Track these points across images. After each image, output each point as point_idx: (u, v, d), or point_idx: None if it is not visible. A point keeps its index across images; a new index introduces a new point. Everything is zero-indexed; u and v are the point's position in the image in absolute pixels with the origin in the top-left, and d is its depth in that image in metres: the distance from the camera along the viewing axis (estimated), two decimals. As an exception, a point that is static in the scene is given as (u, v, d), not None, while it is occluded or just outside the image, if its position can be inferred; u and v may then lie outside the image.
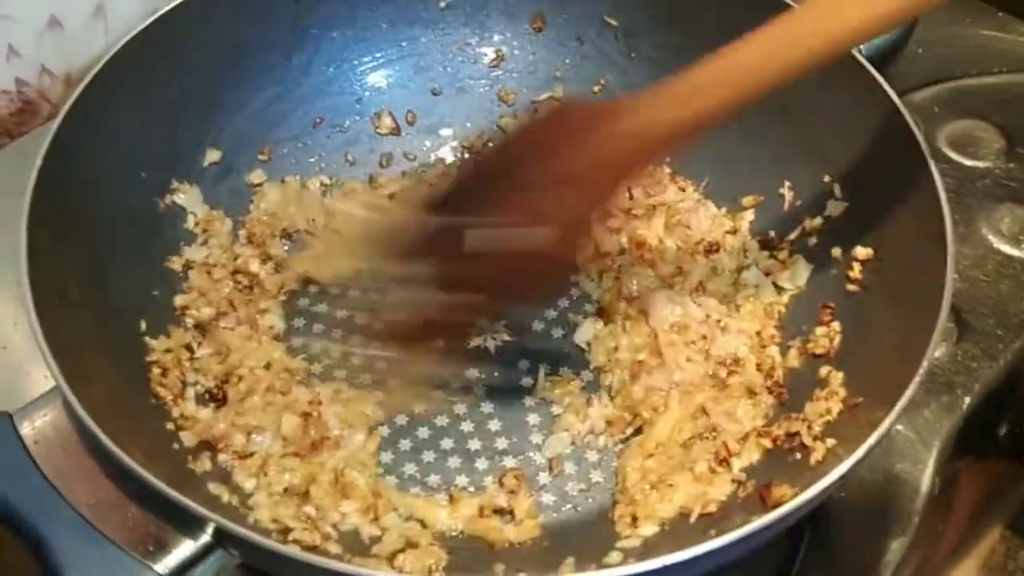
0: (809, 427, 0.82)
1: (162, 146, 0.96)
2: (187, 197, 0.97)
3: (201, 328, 0.93)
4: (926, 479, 0.89)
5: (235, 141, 1.01)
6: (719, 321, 0.94)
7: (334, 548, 0.79)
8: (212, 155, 1.00)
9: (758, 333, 0.93)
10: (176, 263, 0.96)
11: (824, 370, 0.87)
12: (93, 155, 0.89)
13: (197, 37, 0.97)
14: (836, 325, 0.89)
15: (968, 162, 1.11)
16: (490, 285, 0.79)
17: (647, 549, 0.80)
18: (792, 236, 0.97)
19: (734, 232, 1.01)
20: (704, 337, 0.93)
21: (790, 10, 0.73)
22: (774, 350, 0.91)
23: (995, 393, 0.95)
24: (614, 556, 0.79)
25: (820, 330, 0.90)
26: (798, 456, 0.81)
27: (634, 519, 0.83)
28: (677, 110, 0.75)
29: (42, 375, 0.88)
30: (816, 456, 0.79)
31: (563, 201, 0.76)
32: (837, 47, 0.73)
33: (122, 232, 0.91)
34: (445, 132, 1.10)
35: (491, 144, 0.89)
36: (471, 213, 0.77)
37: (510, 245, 0.76)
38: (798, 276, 0.95)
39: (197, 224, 0.98)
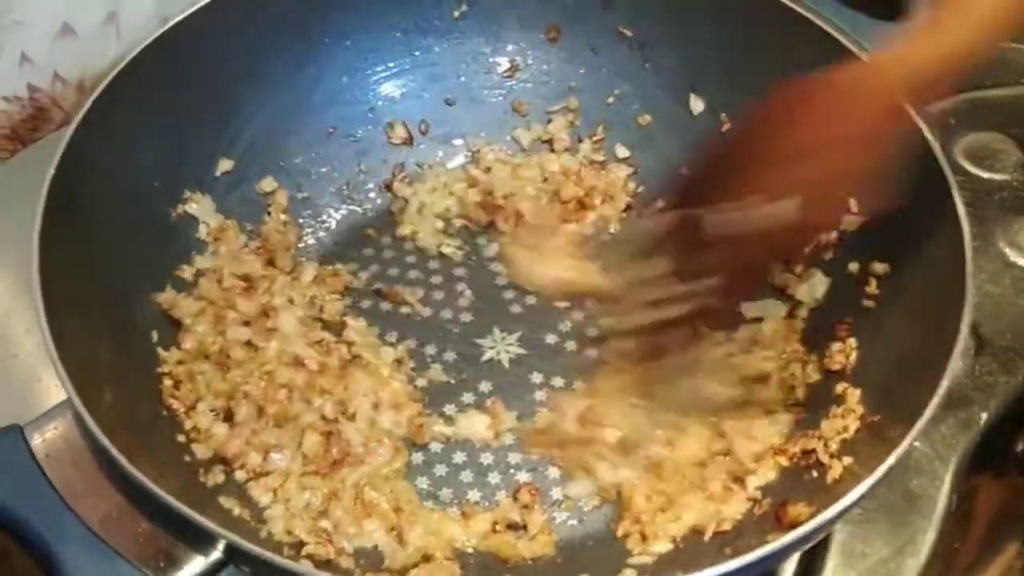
0: (825, 445, 0.82)
1: (175, 155, 0.96)
2: (199, 207, 0.97)
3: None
4: (943, 496, 0.89)
5: (248, 150, 1.01)
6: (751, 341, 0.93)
7: (347, 563, 0.79)
8: (224, 164, 1.00)
9: (783, 350, 0.92)
10: (187, 272, 0.95)
11: (840, 387, 0.86)
12: (106, 164, 0.89)
13: (210, 46, 0.97)
14: (852, 341, 0.88)
15: (985, 175, 1.10)
16: (726, 271, 0.77)
17: (660, 566, 0.80)
18: (808, 250, 0.96)
19: None
20: (731, 355, 0.92)
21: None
22: (797, 367, 0.90)
23: (1013, 408, 0.94)
24: (627, 573, 0.79)
25: (836, 346, 0.89)
26: (815, 474, 0.81)
27: (643, 536, 0.82)
28: (924, 52, 0.72)
29: (53, 383, 0.87)
30: (833, 474, 0.79)
31: (810, 170, 0.74)
32: None
33: (134, 242, 0.91)
34: (458, 142, 1.09)
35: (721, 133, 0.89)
36: (709, 201, 0.75)
37: (752, 224, 0.74)
38: (815, 289, 0.94)
39: (209, 233, 0.97)
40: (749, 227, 0.74)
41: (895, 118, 0.75)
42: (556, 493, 0.87)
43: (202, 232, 0.97)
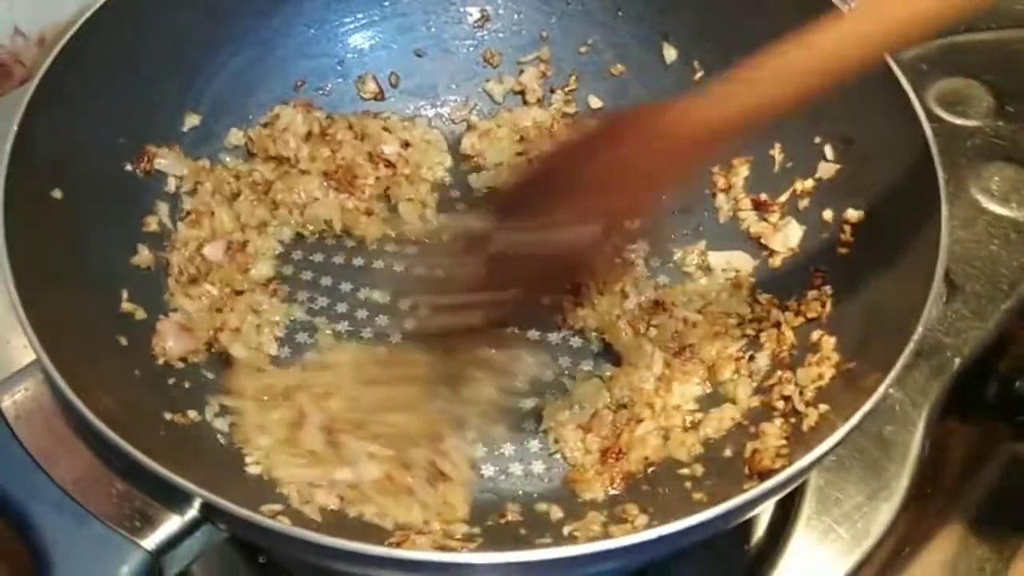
0: (801, 393, 0.82)
1: (141, 111, 0.94)
2: (167, 162, 0.95)
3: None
4: (916, 442, 0.89)
5: (215, 105, 1.00)
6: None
7: None
8: (192, 119, 0.98)
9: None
10: (152, 224, 0.94)
11: (816, 334, 0.86)
12: (70, 121, 0.87)
13: (174, -2, 0.95)
14: (828, 289, 0.88)
15: (957, 121, 1.10)
16: (522, 284, 0.78)
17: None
18: (783, 198, 0.96)
19: (727, 189, 1.00)
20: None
21: (838, 14, 0.71)
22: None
23: (985, 354, 0.95)
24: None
25: (812, 294, 0.89)
26: (792, 421, 0.81)
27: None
28: (722, 107, 0.72)
29: (20, 343, 0.85)
30: (809, 422, 0.79)
31: (607, 200, 0.75)
32: (885, 48, 0.74)
33: (100, 199, 0.89)
34: (430, 94, 1.08)
35: (549, 149, 0.90)
36: (525, 214, 0.77)
37: (549, 244, 0.76)
38: (790, 238, 0.94)
39: (182, 182, 0.97)
40: (536, 248, 0.76)
41: (684, 161, 0.76)
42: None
43: (171, 186, 0.96)
